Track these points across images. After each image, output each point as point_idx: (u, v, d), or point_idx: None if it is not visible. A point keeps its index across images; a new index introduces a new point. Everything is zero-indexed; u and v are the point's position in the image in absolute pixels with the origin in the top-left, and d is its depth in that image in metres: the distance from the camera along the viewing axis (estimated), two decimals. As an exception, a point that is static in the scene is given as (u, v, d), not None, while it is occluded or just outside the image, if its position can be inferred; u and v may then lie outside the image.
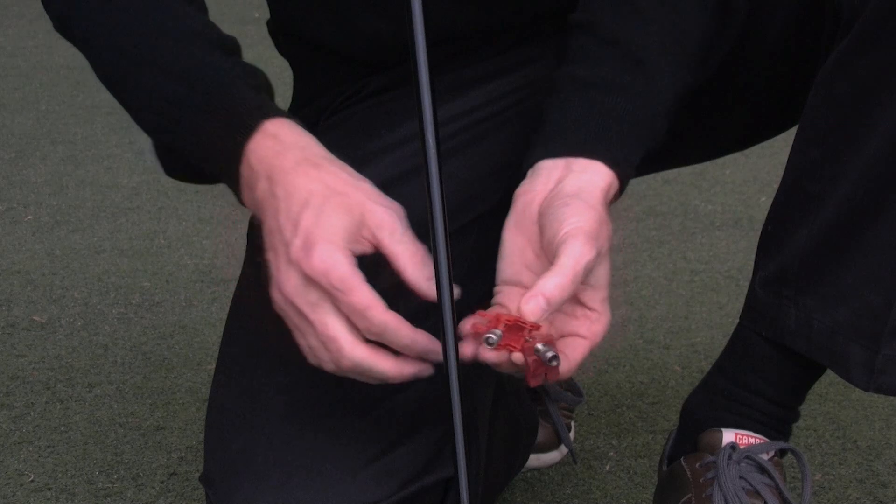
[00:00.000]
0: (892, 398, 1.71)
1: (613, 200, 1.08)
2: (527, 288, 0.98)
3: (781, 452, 1.28)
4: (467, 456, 1.01)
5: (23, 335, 1.93)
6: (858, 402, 1.71)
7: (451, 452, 1.13)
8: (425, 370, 1.02)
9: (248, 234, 1.29)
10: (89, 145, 3.09)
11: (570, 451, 1.51)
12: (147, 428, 1.64)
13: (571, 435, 1.58)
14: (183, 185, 2.70)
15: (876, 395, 1.68)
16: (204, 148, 1.08)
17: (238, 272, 1.29)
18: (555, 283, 0.97)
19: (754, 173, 2.86)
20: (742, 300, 1.27)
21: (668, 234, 2.44)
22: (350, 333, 1.00)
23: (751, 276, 1.26)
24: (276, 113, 1.07)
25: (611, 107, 1.08)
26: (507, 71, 1.26)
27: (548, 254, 1.02)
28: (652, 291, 2.13)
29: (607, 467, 1.55)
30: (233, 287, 1.30)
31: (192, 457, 1.56)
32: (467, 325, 1.00)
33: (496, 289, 1.04)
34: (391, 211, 1.02)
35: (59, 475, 1.52)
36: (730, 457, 1.24)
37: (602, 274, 1.03)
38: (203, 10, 1.16)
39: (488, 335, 0.97)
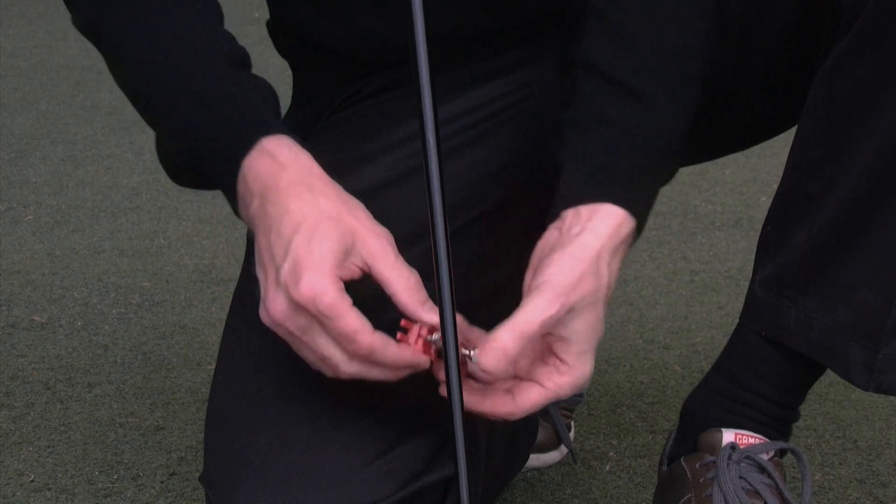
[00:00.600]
0: (892, 398, 1.71)
1: (631, 240, 1.09)
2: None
3: (781, 452, 1.28)
4: (467, 456, 1.01)
5: (23, 335, 1.93)
6: (858, 402, 1.71)
7: (451, 452, 1.13)
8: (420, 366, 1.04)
9: (249, 234, 1.29)
10: (89, 145, 3.09)
11: (570, 451, 1.51)
12: (147, 428, 1.64)
13: (571, 435, 1.58)
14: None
15: (876, 395, 1.69)
16: (206, 162, 1.09)
17: (238, 272, 1.29)
18: (508, 336, 1.00)
19: (754, 173, 2.86)
20: (742, 300, 1.27)
21: (668, 234, 2.44)
22: (343, 352, 1.02)
23: (751, 276, 1.26)
24: (275, 130, 1.07)
25: (613, 144, 1.09)
26: (507, 71, 1.26)
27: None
28: (652, 291, 2.13)
29: (607, 467, 1.55)
30: (233, 287, 1.30)
31: (192, 457, 1.56)
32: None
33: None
34: (383, 238, 1.03)
35: (59, 475, 1.52)
36: (730, 457, 1.24)
37: (580, 328, 1.04)
38: (218, 14, 1.16)
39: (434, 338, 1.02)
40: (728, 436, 1.25)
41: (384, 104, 1.26)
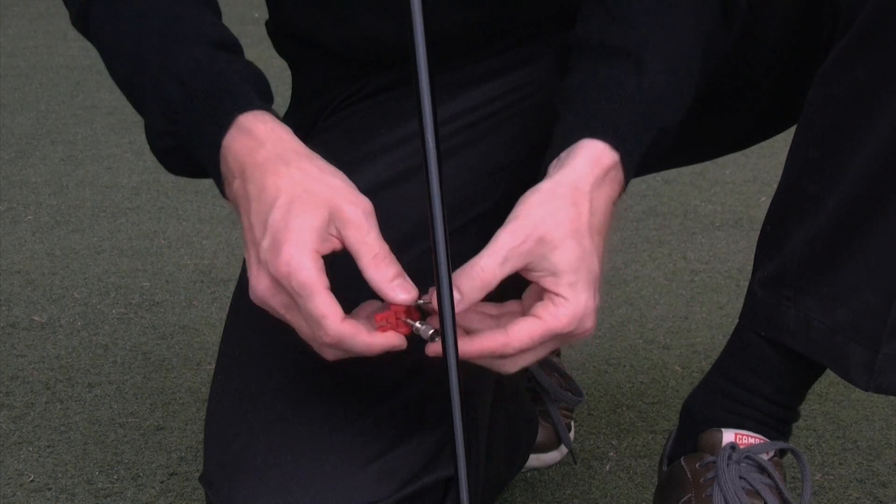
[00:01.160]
0: (892, 398, 1.71)
1: (620, 175, 1.07)
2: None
3: (781, 452, 1.28)
4: (467, 456, 1.01)
5: (23, 335, 1.93)
6: (858, 402, 1.71)
7: (451, 452, 1.13)
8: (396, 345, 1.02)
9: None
10: (89, 145, 3.09)
11: (570, 451, 1.51)
12: (147, 428, 1.64)
13: (571, 435, 1.58)
14: (183, 184, 2.71)
15: (876, 395, 1.69)
16: (189, 144, 1.09)
17: (238, 272, 1.29)
18: (465, 279, 0.99)
19: (754, 173, 2.86)
20: (742, 300, 1.27)
21: (668, 234, 2.44)
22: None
23: (750, 276, 1.26)
24: (252, 106, 1.06)
25: (596, 94, 1.08)
26: (507, 71, 1.26)
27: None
28: (652, 291, 2.13)
29: (607, 467, 1.55)
30: (233, 287, 1.30)
31: (192, 457, 1.56)
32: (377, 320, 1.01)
33: None
34: (360, 208, 1.01)
35: (59, 475, 1.52)
36: (730, 457, 1.24)
37: (563, 258, 1.01)
38: (215, 9, 1.16)
39: (425, 328, 1.00)
40: (728, 436, 1.25)
41: (383, 104, 1.26)
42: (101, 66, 1.18)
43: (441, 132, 1.01)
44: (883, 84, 1.12)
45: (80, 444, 1.59)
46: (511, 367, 1.03)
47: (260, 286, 1.01)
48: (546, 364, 1.53)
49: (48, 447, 1.58)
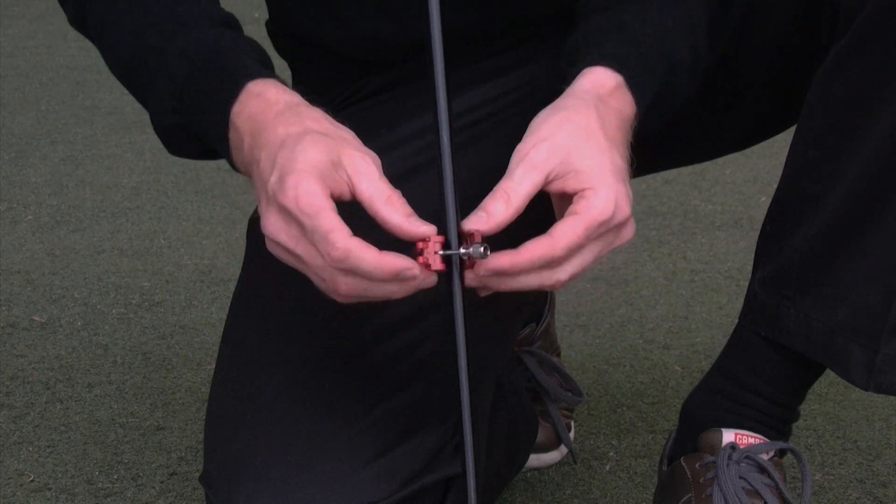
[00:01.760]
0: (892, 398, 1.71)
1: (627, 96, 1.06)
2: None
3: (781, 452, 1.28)
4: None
5: (23, 335, 1.93)
6: (858, 402, 1.71)
7: (452, 452, 1.13)
8: (412, 271, 0.97)
9: (248, 234, 1.29)
10: (89, 145, 3.09)
11: (570, 451, 1.51)
12: (147, 428, 1.64)
13: (571, 435, 1.58)
14: (183, 184, 2.71)
15: (876, 395, 1.68)
16: (196, 117, 1.08)
17: (238, 272, 1.29)
18: (491, 199, 0.98)
19: (754, 173, 2.86)
20: (742, 300, 1.27)
21: (668, 234, 2.44)
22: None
23: (750, 276, 1.26)
24: (261, 74, 1.06)
25: (598, 36, 1.09)
26: (507, 71, 1.26)
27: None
28: (652, 291, 2.13)
29: (607, 467, 1.55)
30: (233, 287, 1.30)
31: (192, 457, 1.56)
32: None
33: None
34: (369, 158, 1.00)
35: (59, 475, 1.52)
36: (730, 457, 1.24)
37: (583, 156, 0.99)
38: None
39: (475, 247, 0.96)
40: (728, 436, 1.25)
41: (384, 104, 1.26)
42: (102, 66, 1.18)
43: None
44: (883, 84, 1.12)
45: (80, 444, 1.59)
46: (562, 275, 0.99)
47: (270, 222, 0.98)
48: (546, 364, 1.53)
49: (48, 447, 1.58)
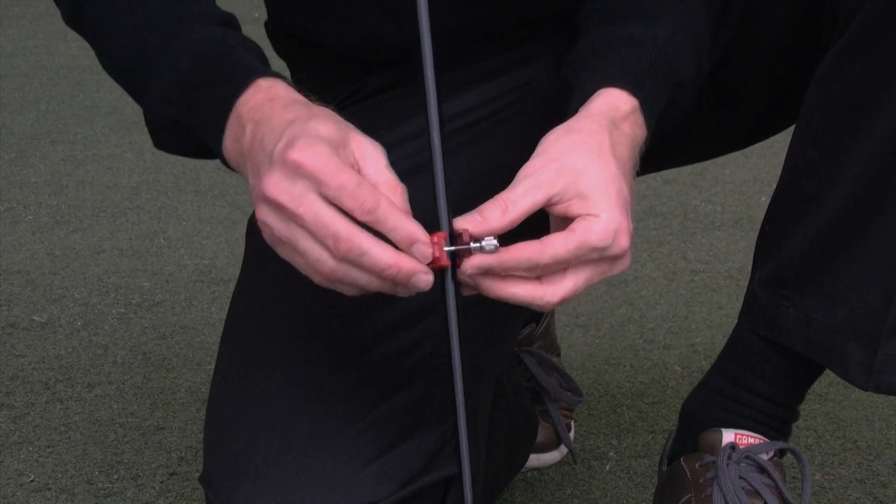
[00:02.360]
0: (892, 398, 1.71)
1: (639, 119, 1.06)
2: None
3: (781, 452, 1.28)
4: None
5: (23, 335, 1.93)
6: (858, 402, 1.71)
7: (452, 452, 1.13)
8: (419, 271, 0.96)
9: (248, 234, 1.29)
10: (89, 145, 3.09)
11: (570, 451, 1.51)
12: (147, 428, 1.64)
13: (571, 435, 1.58)
14: (183, 184, 2.71)
15: (876, 395, 1.69)
16: (198, 110, 1.07)
17: (238, 272, 1.29)
18: (491, 205, 0.97)
19: (754, 173, 2.86)
20: (742, 300, 1.27)
21: (668, 234, 2.44)
22: (342, 216, 0.95)
23: (750, 276, 1.26)
24: (269, 73, 1.06)
25: (606, 50, 1.08)
26: (507, 71, 1.26)
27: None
28: (652, 291, 2.13)
29: (607, 467, 1.55)
30: (233, 287, 1.30)
31: (192, 457, 1.56)
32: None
33: None
34: (377, 146, 0.99)
35: (59, 475, 1.52)
36: (730, 457, 1.24)
37: (591, 181, 0.99)
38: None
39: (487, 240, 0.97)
40: (728, 436, 1.25)
41: (383, 104, 1.26)
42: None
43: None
44: (882, 84, 1.12)
45: (80, 444, 1.59)
46: (553, 297, 0.99)
47: (271, 181, 0.95)
48: (546, 364, 1.53)
49: (48, 447, 1.58)
